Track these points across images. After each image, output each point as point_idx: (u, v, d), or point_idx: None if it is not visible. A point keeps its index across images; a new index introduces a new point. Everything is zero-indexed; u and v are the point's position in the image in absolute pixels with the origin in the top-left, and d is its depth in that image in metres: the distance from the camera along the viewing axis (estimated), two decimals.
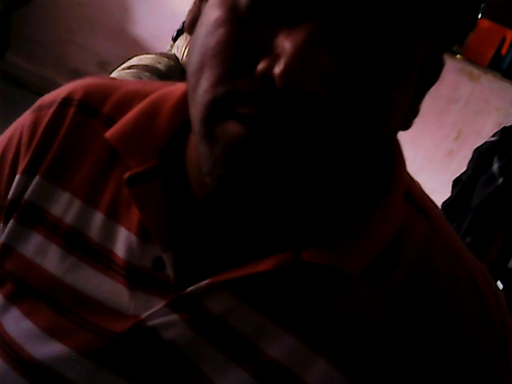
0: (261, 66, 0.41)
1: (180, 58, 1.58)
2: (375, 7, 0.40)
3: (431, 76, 0.49)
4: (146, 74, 1.43)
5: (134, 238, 0.54)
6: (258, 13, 0.42)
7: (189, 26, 0.49)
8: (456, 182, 2.05)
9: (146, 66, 1.46)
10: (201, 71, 0.44)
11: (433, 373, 0.49)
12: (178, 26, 1.65)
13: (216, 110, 0.43)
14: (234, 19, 0.42)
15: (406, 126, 0.50)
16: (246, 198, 0.45)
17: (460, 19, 0.46)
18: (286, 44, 0.40)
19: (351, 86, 0.41)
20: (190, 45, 0.47)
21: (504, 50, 2.95)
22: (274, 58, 0.40)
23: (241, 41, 0.42)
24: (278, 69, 0.39)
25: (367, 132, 0.43)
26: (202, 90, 0.44)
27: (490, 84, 2.91)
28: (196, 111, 0.45)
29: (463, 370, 0.50)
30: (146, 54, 1.54)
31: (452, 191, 2.05)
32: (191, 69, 0.45)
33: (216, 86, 0.43)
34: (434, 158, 2.99)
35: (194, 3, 0.50)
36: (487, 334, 0.51)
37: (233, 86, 0.42)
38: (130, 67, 1.46)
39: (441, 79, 0.51)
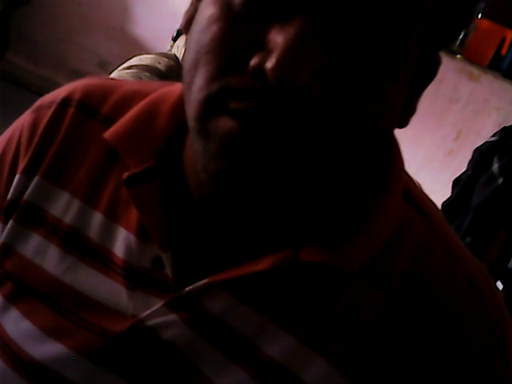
0: (253, 62, 0.41)
1: (180, 58, 1.58)
2: (367, 1, 0.40)
3: (427, 74, 0.49)
4: (146, 73, 1.43)
5: (132, 237, 0.54)
6: (251, 9, 0.42)
7: (185, 26, 0.50)
8: (456, 182, 2.05)
9: (146, 65, 1.46)
10: (195, 68, 0.44)
11: (432, 372, 0.49)
12: (178, 25, 1.65)
13: (210, 106, 0.43)
14: (227, 16, 0.43)
15: (403, 123, 0.50)
16: (241, 194, 0.45)
17: (455, 15, 0.46)
18: (278, 39, 0.40)
19: (343, 80, 0.42)
20: (186, 43, 0.47)
21: (504, 50, 2.95)
22: (267, 53, 0.40)
23: (234, 37, 0.42)
24: (269, 63, 0.40)
25: (360, 127, 0.43)
26: (196, 87, 0.44)
27: (490, 84, 2.91)
28: (191, 108, 0.45)
29: (462, 370, 0.50)
30: (146, 54, 1.54)
31: (452, 191, 2.04)
32: (186, 66, 0.46)
33: (210, 82, 0.43)
34: (434, 157, 2.99)
35: (191, 3, 0.50)
36: (486, 333, 0.51)
37: (226, 83, 0.42)
38: (130, 67, 1.46)
39: (441, 79, 0.51)
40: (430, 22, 0.44)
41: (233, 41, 0.42)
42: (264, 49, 0.41)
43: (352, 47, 0.41)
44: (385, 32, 0.41)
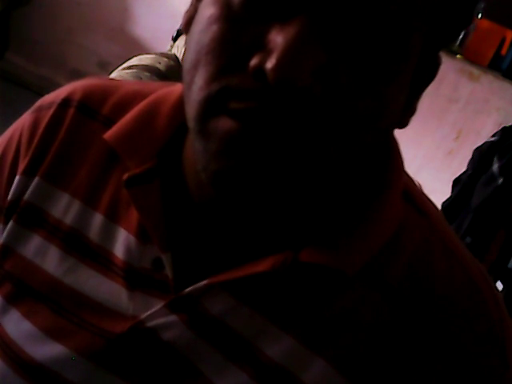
0: (253, 62, 0.41)
1: (180, 58, 1.58)
2: (368, 2, 0.40)
3: (427, 74, 0.49)
4: (146, 73, 1.43)
5: (133, 238, 0.54)
6: (251, 9, 0.42)
7: (185, 26, 0.50)
8: (456, 182, 2.05)
9: (146, 65, 1.46)
10: (195, 69, 0.44)
11: (431, 373, 0.49)
12: (178, 25, 1.65)
13: (210, 106, 0.43)
14: (227, 16, 0.43)
15: (403, 124, 0.50)
16: (241, 194, 0.45)
17: (455, 15, 0.46)
18: (278, 39, 0.40)
19: (343, 80, 0.42)
20: (186, 43, 0.47)
21: (504, 50, 2.95)
22: (267, 54, 0.40)
23: (234, 37, 0.42)
24: (269, 63, 0.39)
25: (360, 127, 0.43)
26: (196, 87, 0.44)
27: (490, 84, 2.91)
28: (191, 109, 0.45)
29: (461, 370, 0.50)
30: (146, 54, 1.54)
31: (452, 191, 2.05)
32: (186, 67, 0.46)
33: (210, 83, 0.43)
34: (434, 157, 2.99)
35: (191, 3, 0.50)
36: (485, 333, 0.51)
37: (226, 83, 0.42)
38: (130, 67, 1.46)
39: (441, 79, 0.51)
40: (431, 22, 0.44)
41: (233, 41, 0.42)
42: (264, 49, 0.41)
43: (352, 47, 0.41)
44: (385, 32, 0.41)
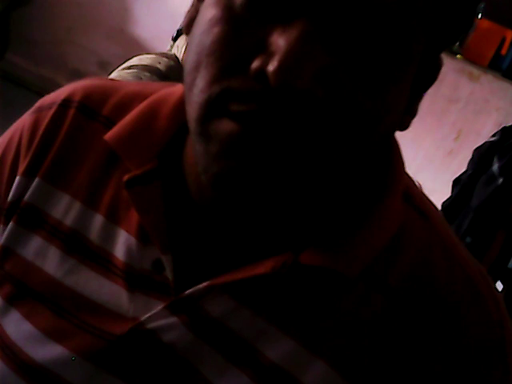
0: (255, 64, 0.41)
1: (180, 58, 1.58)
2: (369, 3, 0.40)
3: (429, 76, 0.49)
4: (146, 74, 1.43)
5: (133, 240, 0.54)
6: (253, 11, 0.42)
7: (186, 27, 0.50)
8: (456, 182, 2.05)
9: (146, 66, 1.46)
10: (197, 70, 0.44)
11: (431, 374, 0.49)
12: (178, 26, 1.65)
13: (211, 108, 0.43)
14: (229, 18, 0.43)
15: (404, 126, 0.50)
16: (241, 196, 0.45)
17: (456, 18, 0.46)
18: (279, 41, 0.40)
19: (345, 82, 0.42)
20: (188, 44, 0.47)
21: (504, 50, 2.95)
22: (268, 56, 0.40)
23: (236, 39, 0.42)
24: (271, 66, 0.39)
25: (361, 129, 0.43)
26: (197, 89, 0.44)
27: (490, 84, 2.91)
28: (192, 110, 0.45)
29: (461, 371, 0.50)
30: (146, 54, 1.54)
31: (452, 191, 2.05)
32: (188, 68, 0.46)
33: (211, 85, 0.43)
34: (434, 157, 2.99)
35: (192, 4, 0.50)
36: (485, 335, 0.51)
37: (228, 85, 0.42)
38: (130, 67, 1.46)
39: (441, 79, 0.51)
40: (432, 25, 0.44)
41: (234, 43, 0.42)
42: (266, 51, 0.41)
43: (354, 50, 0.41)
44: (387, 34, 0.41)
